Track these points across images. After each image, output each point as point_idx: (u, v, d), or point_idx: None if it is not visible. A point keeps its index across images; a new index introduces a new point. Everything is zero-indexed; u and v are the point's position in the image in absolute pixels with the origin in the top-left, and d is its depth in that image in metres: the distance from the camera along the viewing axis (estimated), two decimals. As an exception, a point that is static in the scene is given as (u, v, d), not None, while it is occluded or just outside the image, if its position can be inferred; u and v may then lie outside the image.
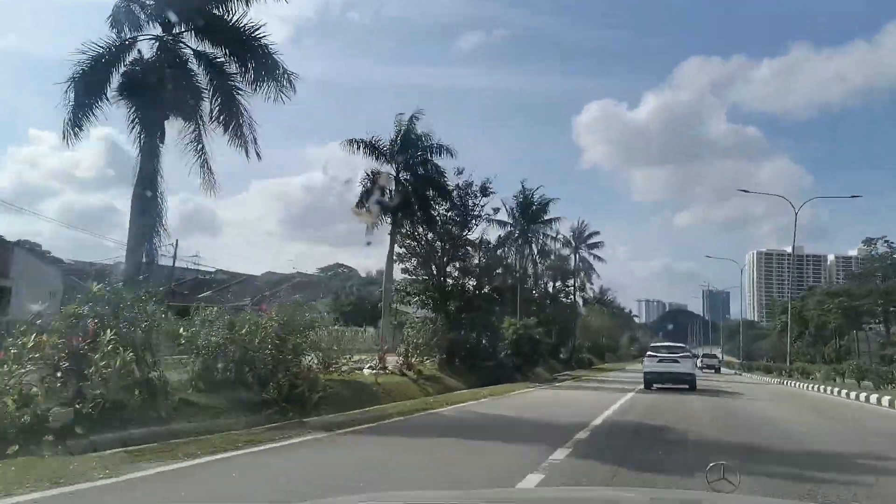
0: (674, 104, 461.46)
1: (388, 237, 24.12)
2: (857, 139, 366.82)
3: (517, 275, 43.50)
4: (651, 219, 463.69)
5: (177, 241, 43.13)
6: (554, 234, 48.81)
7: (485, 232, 32.54)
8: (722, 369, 64.46)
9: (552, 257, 53.15)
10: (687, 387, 23.22)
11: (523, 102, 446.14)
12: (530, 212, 45.33)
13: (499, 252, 37.95)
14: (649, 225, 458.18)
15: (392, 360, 21.75)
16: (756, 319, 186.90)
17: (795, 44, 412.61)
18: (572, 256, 58.17)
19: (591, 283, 61.80)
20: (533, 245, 45.99)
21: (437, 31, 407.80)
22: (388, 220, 24.35)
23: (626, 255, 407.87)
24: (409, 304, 27.98)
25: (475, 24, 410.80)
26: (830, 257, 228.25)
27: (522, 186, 46.03)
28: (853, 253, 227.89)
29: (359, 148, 24.29)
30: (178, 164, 15.16)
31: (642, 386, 23.84)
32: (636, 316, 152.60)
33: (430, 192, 24.73)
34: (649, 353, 25.65)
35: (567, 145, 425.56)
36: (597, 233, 60.07)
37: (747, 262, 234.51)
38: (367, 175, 24.23)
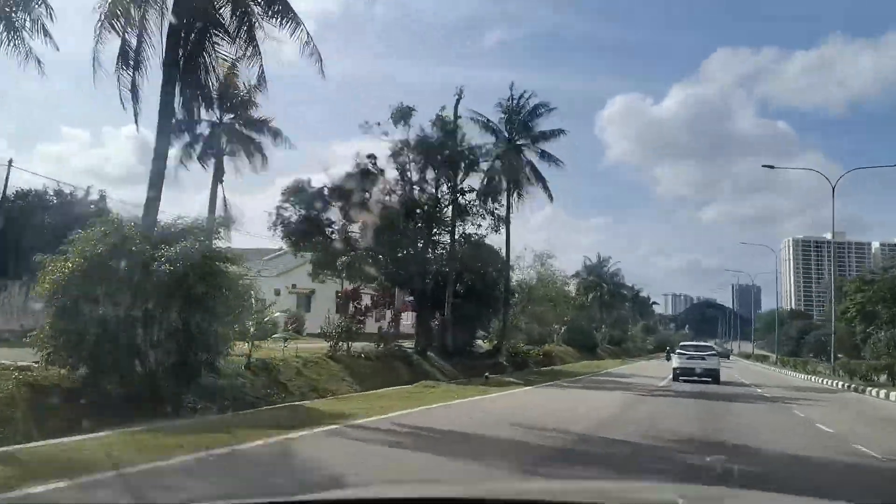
0: (703, 97, 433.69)
1: None
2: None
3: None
4: (677, 214, 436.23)
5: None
6: None
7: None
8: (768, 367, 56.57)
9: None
10: (710, 379, 26.75)
11: (548, 98, 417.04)
12: None
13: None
14: (675, 220, 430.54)
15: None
16: (794, 308, 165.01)
17: (829, 35, 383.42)
18: (506, 161, 30.71)
19: (528, 194, 32.30)
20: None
21: (462, 28, 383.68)
22: None
23: (651, 251, 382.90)
24: None
25: (500, 20, 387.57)
26: (875, 244, 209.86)
27: None
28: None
29: None
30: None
31: None
32: (656, 303, 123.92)
33: None
34: (678, 351, 29.87)
35: (590, 141, 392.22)
36: (551, 108, 33.24)
37: (783, 250, 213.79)
38: None
